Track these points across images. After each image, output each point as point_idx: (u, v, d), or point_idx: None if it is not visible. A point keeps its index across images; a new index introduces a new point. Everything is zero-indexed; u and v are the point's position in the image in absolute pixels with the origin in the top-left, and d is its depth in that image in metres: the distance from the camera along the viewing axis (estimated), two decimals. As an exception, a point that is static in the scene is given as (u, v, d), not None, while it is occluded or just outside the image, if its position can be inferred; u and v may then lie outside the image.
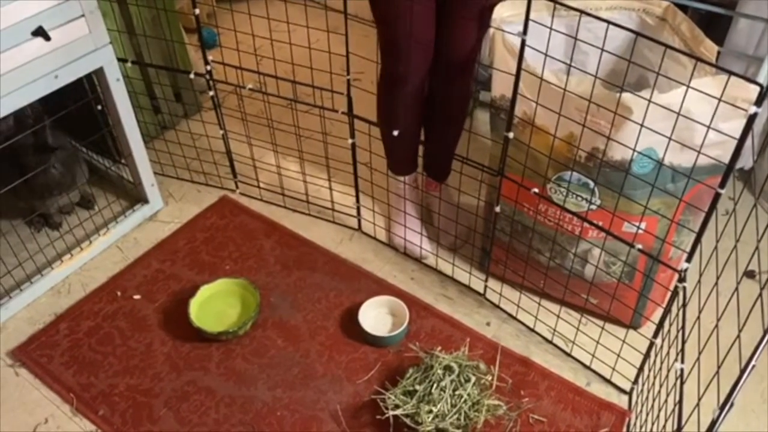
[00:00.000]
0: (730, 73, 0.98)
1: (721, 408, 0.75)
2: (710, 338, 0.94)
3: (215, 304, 1.63)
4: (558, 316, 1.52)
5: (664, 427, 1.10)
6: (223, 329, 1.55)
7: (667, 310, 1.26)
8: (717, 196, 1.07)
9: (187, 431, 1.41)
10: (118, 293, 1.69)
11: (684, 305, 1.14)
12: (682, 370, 1.04)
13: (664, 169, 1.26)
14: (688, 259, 1.18)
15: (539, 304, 1.55)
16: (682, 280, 1.20)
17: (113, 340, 1.59)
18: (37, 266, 1.72)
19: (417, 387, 1.37)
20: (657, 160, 1.25)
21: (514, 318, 1.62)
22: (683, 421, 0.96)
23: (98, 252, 1.80)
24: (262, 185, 1.94)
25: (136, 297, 1.68)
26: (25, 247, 1.72)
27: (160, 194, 1.92)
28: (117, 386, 1.49)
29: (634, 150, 1.18)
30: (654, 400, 1.22)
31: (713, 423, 0.77)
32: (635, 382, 1.44)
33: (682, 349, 1.08)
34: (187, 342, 1.57)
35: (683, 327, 1.10)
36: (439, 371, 1.37)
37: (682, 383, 1.02)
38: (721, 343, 0.91)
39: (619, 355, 1.42)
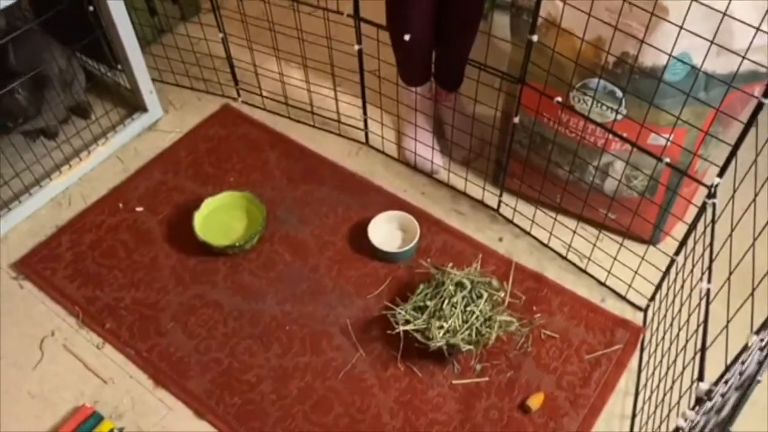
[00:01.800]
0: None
1: (760, 332, 0.71)
2: (743, 258, 0.89)
3: (220, 218, 1.58)
4: (574, 232, 1.47)
5: (685, 347, 1.07)
6: (229, 243, 1.51)
7: (692, 227, 1.21)
8: (759, 106, 0.99)
9: (195, 344, 1.39)
10: (120, 205, 1.64)
11: (713, 222, 1.08)
12: (708, 290, 1.00)
13: (697, 76, 1.17)
14: (720, 174, 1.11)
15: (555, 219, 1.49)
16: (711, 195, 1.13)
17: (117, 253, 1.55)
18: (35, 177, 1.66)
19: (428, 303, 1.34)
20: (693, 66, 1.16)
21: (528, 233, 1.57)
22: (707, 342, 0.93)
23: (97, 162, 1.74)
24: (264, 94, 1.85)
25: (139, 209, 1.64)
26: (21, 158, 1.65)
27: (160, 102, 1.84)
28: (123, 299, 1.47)
29: (670, 55, 1.09)
30: (673, 319, 1.19)
31: (746, 347, 0.72)
32: (652, 299, 1.40)
33: (710, 268, 1.03)
34: (193, 256, 1.54)
35: (711, 245, 1.05)
36: (451, 287, 1.34)
37: (707, 303, 0.98)
38: (749, 264, 0.85)
39: (636, 272, 1.38)
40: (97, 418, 1.28)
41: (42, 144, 1.75)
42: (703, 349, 0.94)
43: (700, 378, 0.90)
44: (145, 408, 1.32)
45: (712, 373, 0.88)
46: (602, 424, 1.28)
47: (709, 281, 1.01)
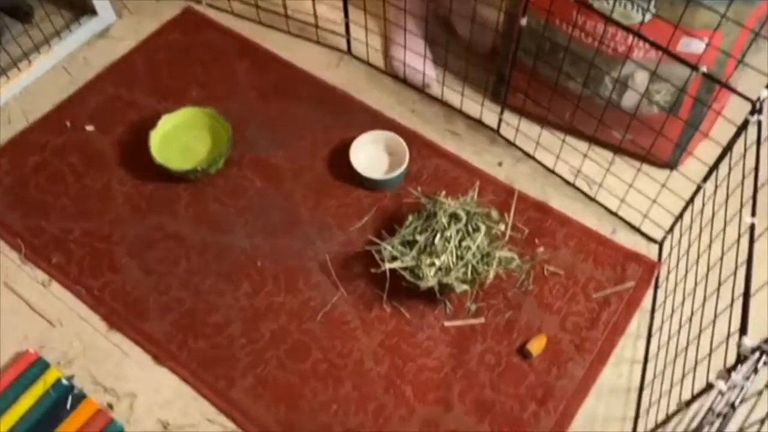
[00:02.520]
0: None
1: None
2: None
3: (180, 138, 1.38)
4: (585, 155, 1.29)
5: (718, 291, 0.91)
6: (191, 167, 1.32)
7: (727, 149, 1.03)
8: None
9: (153, 282, 1.24)
10: (68, 123, 1.44)
11: (758, 143, 0.91)
12: (753, 225, 0.83)
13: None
14: (770, 85, 0.93)
15: (563, 140, 1.31)
16: (756, 111, 0.95)
17: (64, 178, 1.36)
18: (-33, 91, 1.45)
19: (417, 237, 1.17)
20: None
21: (531, 157, 1.39)
22: (752, 288, 0.77)
23: (40, 74, 1.53)
24: (232, -5, 1.62)
25: (89, 128, 1.44)
26: (-51, 68, 1.43)
27: (111, 5, 1.60)
28: (71, 231, 1.30)
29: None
30: (699, 256, 1.04)
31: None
32: (670, 231, 1.25)
33: (754, 199, 0.86)
34: (151, 181, 1.36)
35: (756, 170, 0.88)
36: (444, 219, 1.17)
37: (752, 241, 0.82)
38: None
39: (655, 201, 1.22)
40: (41, 365, 1.13)
41: (-27, 53, 1.53)
42: (747, 294, 0.78)
43: (743, 330, 0.75)
44: (98, 353, 1.17)
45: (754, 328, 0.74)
46: (610, 370, 1.15)
47: (753, 214, 0.85)
